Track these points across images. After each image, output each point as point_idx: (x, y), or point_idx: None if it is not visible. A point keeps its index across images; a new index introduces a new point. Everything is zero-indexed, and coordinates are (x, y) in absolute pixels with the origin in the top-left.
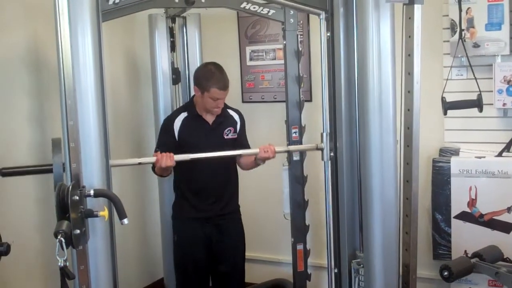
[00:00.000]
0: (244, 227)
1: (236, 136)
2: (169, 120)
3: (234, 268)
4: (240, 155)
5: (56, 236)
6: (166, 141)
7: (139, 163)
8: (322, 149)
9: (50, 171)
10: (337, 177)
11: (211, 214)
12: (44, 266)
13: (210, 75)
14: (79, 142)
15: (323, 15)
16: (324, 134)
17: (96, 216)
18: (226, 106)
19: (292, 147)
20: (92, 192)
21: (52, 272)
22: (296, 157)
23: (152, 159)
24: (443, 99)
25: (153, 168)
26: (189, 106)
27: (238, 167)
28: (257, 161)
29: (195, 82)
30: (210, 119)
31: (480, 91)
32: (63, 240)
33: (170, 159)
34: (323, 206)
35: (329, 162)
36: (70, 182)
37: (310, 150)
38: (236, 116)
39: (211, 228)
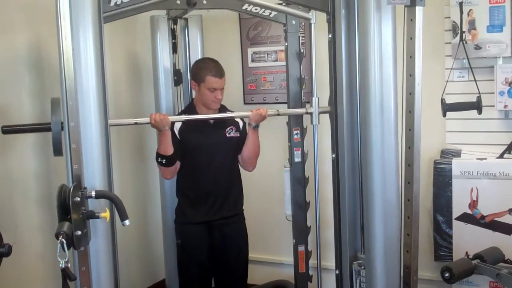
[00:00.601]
0: (246, 228)
1: (238, 135)
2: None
3: (236, 271)
4: (240, 148)
5: (57, 237)
6: None
7: (135, 123)
8: (311, 113)
9: (48, 129)
10: (338, 179)
11: (214, 218)
12: (45, 267)
13: (204, 65)
14: (81, 144)
15: (314, 19)
16: (314, 99)
17: (98, 217)
18: (226, 109)
19: (282, 110)
20: (93, 194)
21: (54, 274)
22: (297, 159)
23: (147, 119)
24: (442, 101)
25: (157, 156)
26: (188, 109)
27: (241, 169)
28: (251, 123)
29: (191, 77)
30: None
31: (479, 93)
32: (64, 242)
33: (165, 118)
34: (325, 207)
35: (317, 126)
36: (71, 184)
37: (301, 114)
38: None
39: (215, 232)
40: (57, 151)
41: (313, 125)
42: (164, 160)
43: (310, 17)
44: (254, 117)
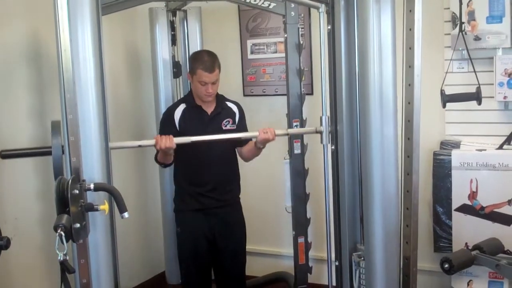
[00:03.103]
0: (245, 220)
1: (234, 127)
2: (169, 112)
3: (235, 259)
4: (241, 144)
5: (55, 230)
6: (169, 132)
7: (139, 146)
8: (321, 132)
9: (49, 153)
10: (338, 170)
11: (212, 205)
12: (45, 260)
13: (198, 57)
14: (79, 136)
15: (322, 8)
16: (323, 118)
17: (97, 210)
18: (225, 99)
19: (291, 130)
20: (92, 186)
21: (53, 266)
22: (297, 151)
23: (152, 141)
24: (442, 92)
25: (156, 157)
26: (187, 98)
27: (239, 158)
28: (258, 145)
29: (188, 68)
30: (209, 109)
31: (479, 84)
32: (63, 234)
33: (170, 140)
34: (324, 199)
35: (328, 146)
36: (70, 176)
37: (310, 133)
38: (235, 108)
39: (212, 218)
40: (58, 175)
41: (324, 145)
42: (163, 165)
43: (319, 5)
44: (262, 141)
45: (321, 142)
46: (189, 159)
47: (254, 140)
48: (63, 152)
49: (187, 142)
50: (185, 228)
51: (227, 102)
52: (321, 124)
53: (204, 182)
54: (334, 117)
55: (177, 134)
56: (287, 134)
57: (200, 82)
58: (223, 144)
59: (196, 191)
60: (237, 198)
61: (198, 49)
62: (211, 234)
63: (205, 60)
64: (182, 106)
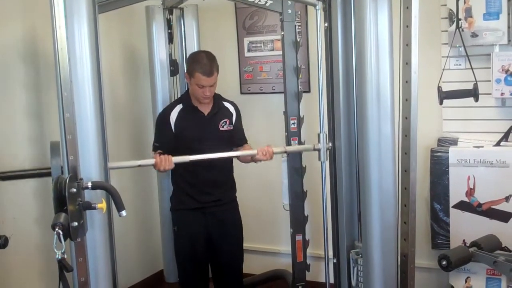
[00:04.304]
0: (243, 218)
1: (231, 128)
2: (165, 113)
3: (232, 257)
4: (237, 144)
5: (53, 229)
6: (164, 134)
7: (139, 165)
8: (319, 150)
9: (48, 174)
10: (335, 168)
11: (209, 204)
12: (43, 259)
13: (197, 60)
14: (76, 135)
15: (319, 5)
16: (321, 135)
17: (94, 208)
18: (222, 98)
19: (289, 148)
20: (89, 184)
21: (52, 265)
22: None
23: (151, 161)
24: (439, 88)
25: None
26: (184, 98)
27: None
28: (255, 161)
29: (186, 68)
30: (205, 110)
31: (476, 80)
32: (60, 233)
33: (169, 161)
34: (322, 197)
35: (326, 162)
36: (67, 175)
37: (308, 151)
38: (231, 108)
39: (209, 217)
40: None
41: (321, 162)
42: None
43: (315, 3)
44: (260, 158)
45: (319, 159)
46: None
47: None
48: (62, 173)
49: (186, 161)
50: (182, 227)
51: (224, 102)
52: (318, 141)
53: (201, 181)
54: (331, 116)
55: (173, 136)
56: (285, 152)
57: (198, 85)
58: (220, 144)
59: (193, 191)
60: (234, 196)
61: (195, 47)
62: (207, 233)
63: (204, 63)
64: (178, 107)
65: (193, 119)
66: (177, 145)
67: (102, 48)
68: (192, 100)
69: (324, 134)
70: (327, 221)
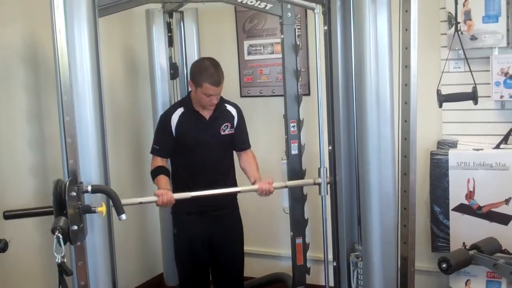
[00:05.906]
0: (243, 221)
1: (233, 131)
2: (166, 116)
3: (233, 260)
4: (238, 148)
5: (53, 232)
6: (164, 137)
7: (140, 203)
8: (319, 184)
9: (51, 213)
10: (335, 171)
11: (209, 207)
12: (43, 262)
13: (204, 69)
14: (76, 138)
15: (318, 9)
16: (322, 169)
17: (94, 212)
18: (224, 101)
19: (290, 183)
20: (89, 188)
21: (52, 269)
22: (294, 151)
23: (153, 198)
24: (438, 91)
25: (153, 178)
26: (185, 101)
27: (236, 160)
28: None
29: (190, 76)
30: (206, 114)
31: (475, 83)
32: (60, 236)
33: (170, 197)
34: (321, 200)
35: (327, 197)
36: (67, 178)
37: (308, 185)
38: (233, 111)
39: (210, 221)
40: None
41: (322, 196)
42: None
43: (314, 6)
44: (259, 195)
45: (319, 193)
46: (187, 162)
47: (249, 149)
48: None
49: (187, 198)
50: (181, 229)
51: (226, 105)
52: (318, 176)
53: (201, 185)
54: (331, 118)
55: (172, 140)
56: (286, 187)
57: (205, 94)
58: (221, 148)
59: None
60: (234, 200)
61: (195, 50)
62: (208, 236)
63: (211, 73)
64: (179, 111)
65: (194, 123)
66: (178, 149)
67: (102, 51)
68: (194, 105)
69: (325, 169)
70: (327, 224)
